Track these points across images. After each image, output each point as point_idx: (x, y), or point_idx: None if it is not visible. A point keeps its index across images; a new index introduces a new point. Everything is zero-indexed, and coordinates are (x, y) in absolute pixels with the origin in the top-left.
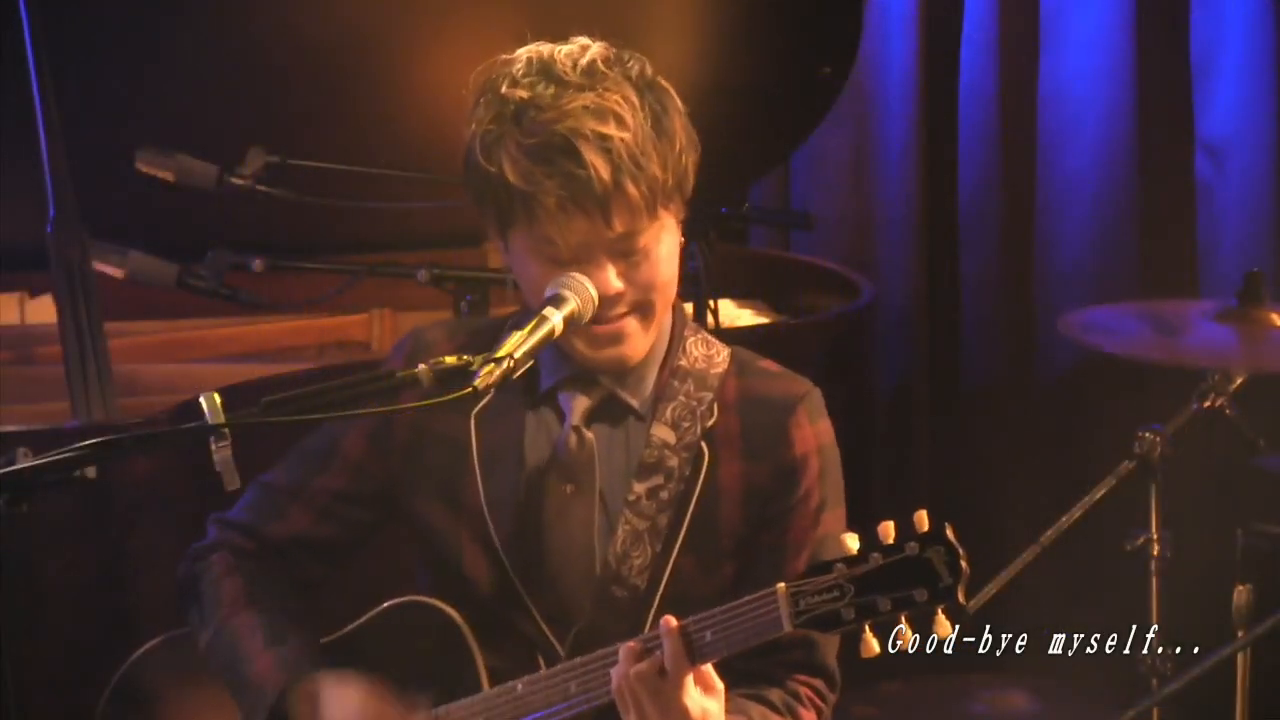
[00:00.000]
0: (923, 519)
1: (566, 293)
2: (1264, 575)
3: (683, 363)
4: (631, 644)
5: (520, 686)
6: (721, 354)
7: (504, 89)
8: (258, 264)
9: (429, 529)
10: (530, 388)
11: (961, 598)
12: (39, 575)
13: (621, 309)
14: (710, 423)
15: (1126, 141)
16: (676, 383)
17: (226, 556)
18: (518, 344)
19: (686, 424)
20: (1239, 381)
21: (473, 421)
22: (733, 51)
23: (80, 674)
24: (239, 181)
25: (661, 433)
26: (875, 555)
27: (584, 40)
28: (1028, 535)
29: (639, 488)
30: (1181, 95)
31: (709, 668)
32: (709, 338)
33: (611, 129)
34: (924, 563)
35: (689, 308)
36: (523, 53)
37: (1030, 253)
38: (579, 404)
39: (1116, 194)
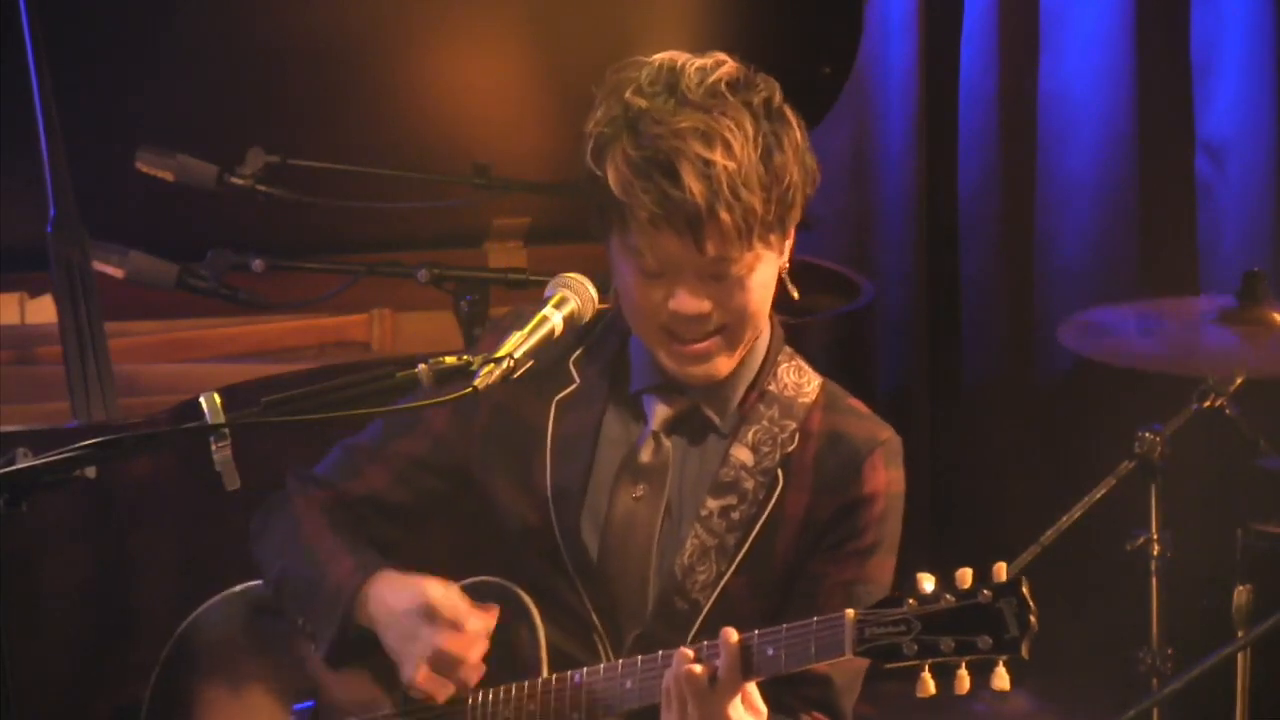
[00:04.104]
0: (1001, 570)
1: (567, 293)
2: (1264, 575)
3: (771, 387)
4: (688, 649)
5: (579, 677)
6: (812, 384)
7: (627, 94)
8: (258, 264)
9: (497, 507)
10: (618, 385)
11: (1025, 653)
12: (39, 575)
13: (707, 329)
14: (790, 450)
15: (1126, 141)
16: (763, 406)
17: (305, 501)
18: (518, 344)
19: (766, 449)
20: (1239, 381)
21: (553, 408)
22: (733, 52)
23: (80, 674)
24: (239, 181)
25: (741, 454)
26: (947, 597)
27: (720, 56)
28: (1028, 535)
29: (712, 504)
30: (1181, 95)
31: (754, 689)
32: (802, 365)
33: (716, 155)
34: (994, 611)
35: None
36: (656, 59)
37: (1030, 253)
38: (662, 411)
39: (1116, 194)
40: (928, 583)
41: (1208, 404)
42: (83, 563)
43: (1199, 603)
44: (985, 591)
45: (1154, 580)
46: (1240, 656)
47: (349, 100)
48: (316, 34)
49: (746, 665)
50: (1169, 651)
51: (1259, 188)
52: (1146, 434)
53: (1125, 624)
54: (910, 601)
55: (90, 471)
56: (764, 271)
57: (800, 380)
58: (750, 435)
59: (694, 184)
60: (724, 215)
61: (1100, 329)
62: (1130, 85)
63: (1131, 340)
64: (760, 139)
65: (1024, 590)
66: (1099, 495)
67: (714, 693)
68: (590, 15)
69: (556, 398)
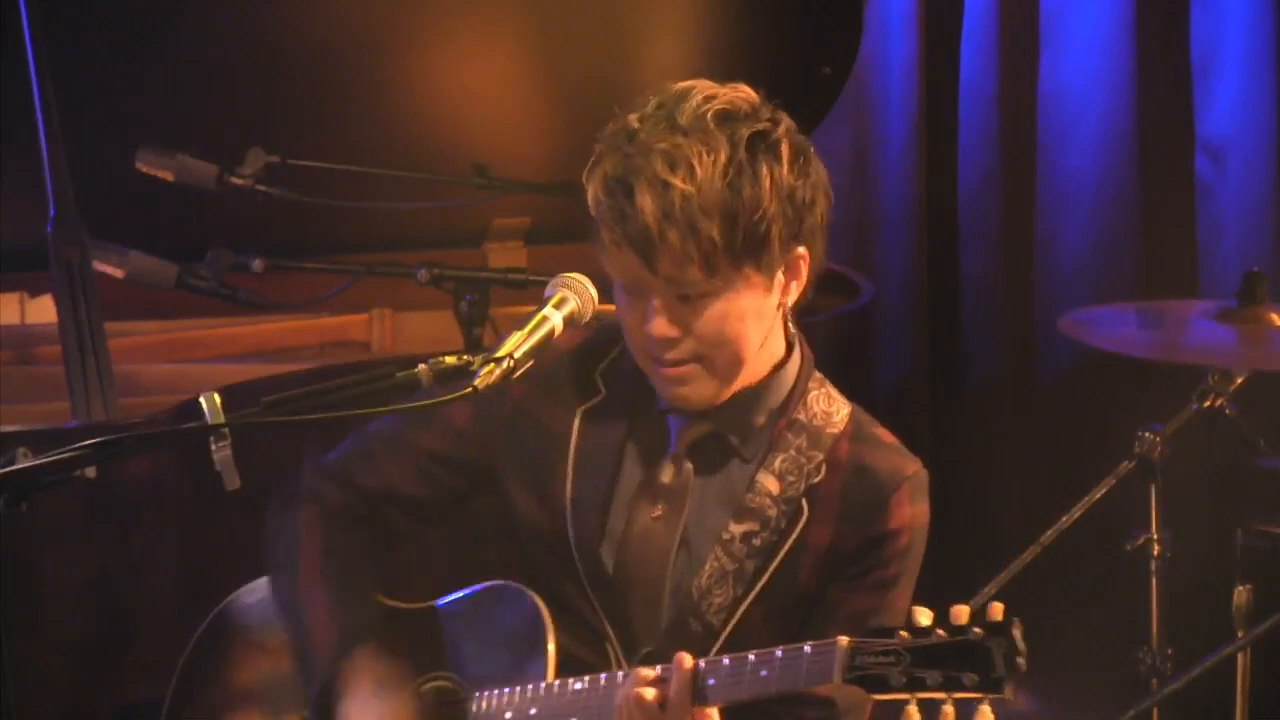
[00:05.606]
0: (997, 610)
1: (567, 293)
2: (1264, 575)
3: (800, 416)
4: (644, 670)
5: (580, 684)
6: (841, 413)
7: (630, 116)
8: (258, 264)
9: (513, 509)
10: (644, 401)
11: (1009, 694)
12: (39, 575)
13: (678, 355)
14: (815, 480)
15: (1126, 141)
16: (791, 435)
17: (312, 513)
18: (517, 344)
19: (792, 478)
20: (1239, 381)
21: (578, 418)
22: (733, 52)
23: (80, 674)
24: (239, 181)
25: (767, 482)
26: (939, 632)
27: (738, 87)
28: (1028, 535)
29: (735, 529)
30: (1181, 95)
31: (715, 715)
32: (832, 393)
33: (676, 178)
34: (983, 650)
35: None
36: (675, 86)
37: (1030, 252)
38: (685, 433)
39: (1116, 194)
40: (923, 616)
41: (1208, 404)
42: (83, 563)
43: (1199, 603)
44: (976, 629)
45: (1154, 580)
46: (1240, 656)
47: (349, 100)
48: (316, 34)
49: (695, 693)
50: (1169, 651)
51: (1259, 188)
52: (1146, 434)
53: (1125, 624)
54: (903, 633)
55: (90, 471)
56: (741, 303)
57: (830, 409)
58: (777, 463)
59: (646, 203)
60: (673, 237)
61: (1100, 327)
62: (1130, 85)
63: (1131, 339)
64: (732, 168)
65: (1015, 632)
66: (1099, 495)
67: (664, 716)
68: (590, 16)
69: (582, 408)
